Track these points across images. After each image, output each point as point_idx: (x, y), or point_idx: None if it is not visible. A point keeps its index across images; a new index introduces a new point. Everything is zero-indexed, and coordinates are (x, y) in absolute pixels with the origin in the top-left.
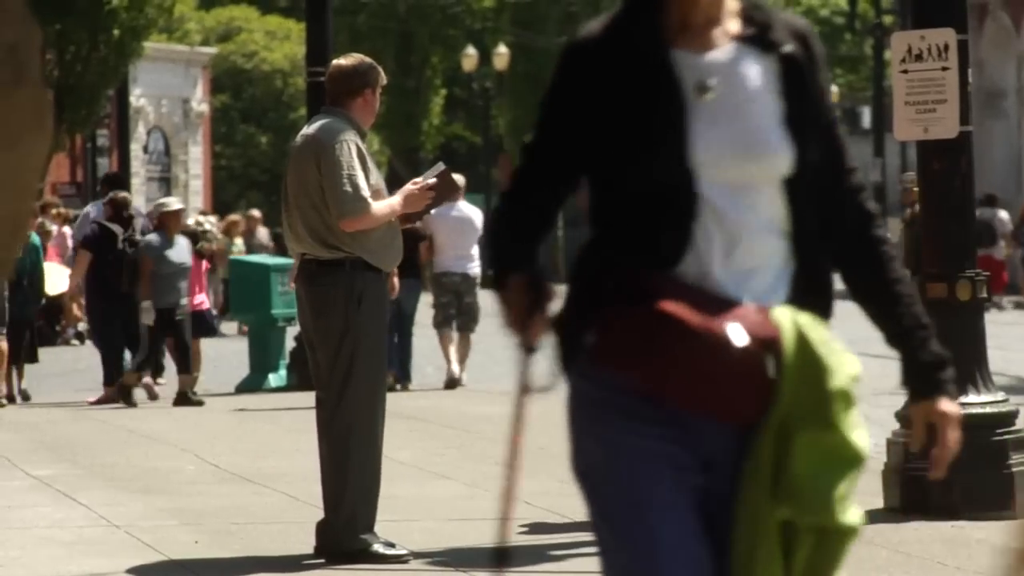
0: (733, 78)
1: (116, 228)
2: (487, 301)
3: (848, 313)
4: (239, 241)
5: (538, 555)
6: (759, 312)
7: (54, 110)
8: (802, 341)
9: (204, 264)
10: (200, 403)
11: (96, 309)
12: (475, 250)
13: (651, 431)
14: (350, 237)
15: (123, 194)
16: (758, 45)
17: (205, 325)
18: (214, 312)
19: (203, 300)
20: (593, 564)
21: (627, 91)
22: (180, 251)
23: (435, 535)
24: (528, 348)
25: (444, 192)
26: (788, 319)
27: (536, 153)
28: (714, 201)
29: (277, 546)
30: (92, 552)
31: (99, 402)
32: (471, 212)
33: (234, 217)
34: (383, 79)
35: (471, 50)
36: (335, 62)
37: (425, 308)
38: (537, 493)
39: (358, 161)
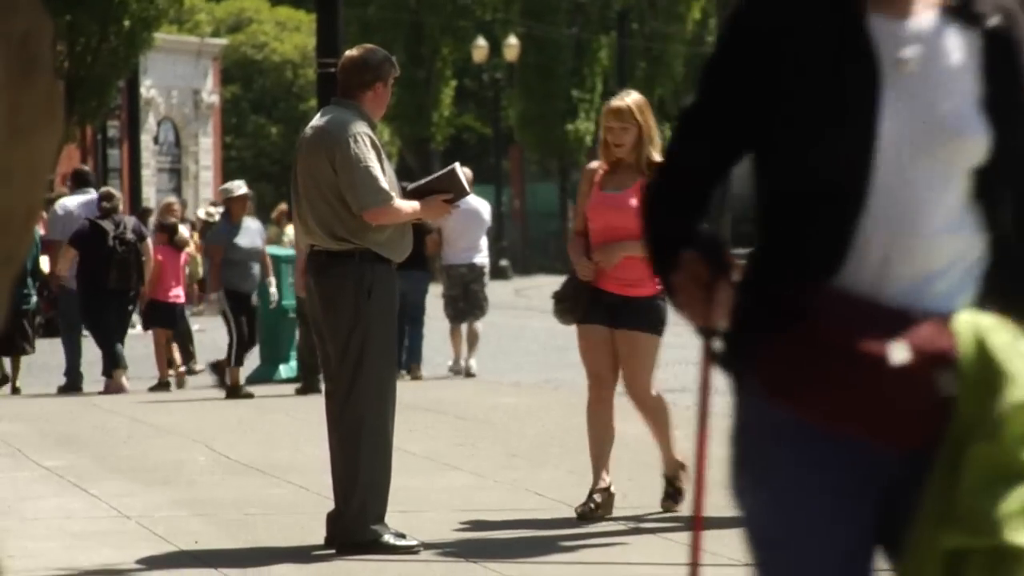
0: (932, 51)
1: (107, 225)
2: (495, 292)
3: None
4: (290, 230)
5: (549, 546)
6: (935, 322)
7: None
8: (982, 349)
9: (183, 257)
10: (250, 395)
11: (89, 305)
12: (483, 242)
13: (816, 477)
14: (360, 229)
15: (106, 189)
16: (961, 17)
17: (170, 317)
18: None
19: (179, 294)
20: (602, 554)
21: (814, 56)
22: (250, 236)
23: (444, 526)
24: (711, 331)
25: (456, 193)
26: (969, 326)
27: (697, 124)
28: (894, 194)
29: (288, 537)
30: (103, 543)
31: (106, 392)
32: (479, 204)
33: (284, 207)
34: (396, 71)
35: (481, 41)
36: (347, 53)
37: (434, 300)
38: (548, 484)
39: (373, 153)
